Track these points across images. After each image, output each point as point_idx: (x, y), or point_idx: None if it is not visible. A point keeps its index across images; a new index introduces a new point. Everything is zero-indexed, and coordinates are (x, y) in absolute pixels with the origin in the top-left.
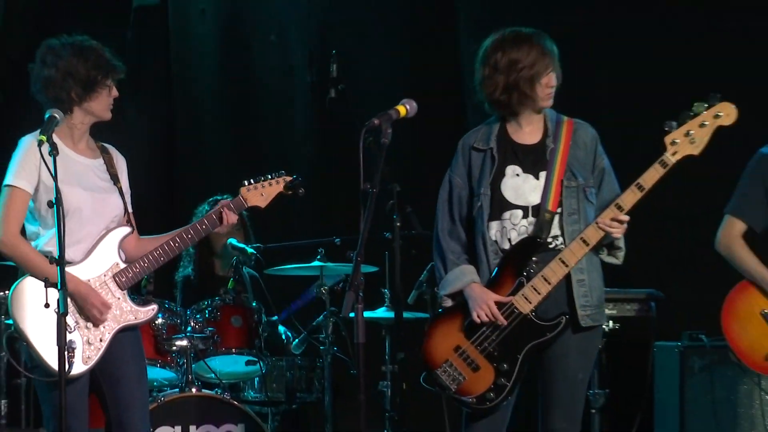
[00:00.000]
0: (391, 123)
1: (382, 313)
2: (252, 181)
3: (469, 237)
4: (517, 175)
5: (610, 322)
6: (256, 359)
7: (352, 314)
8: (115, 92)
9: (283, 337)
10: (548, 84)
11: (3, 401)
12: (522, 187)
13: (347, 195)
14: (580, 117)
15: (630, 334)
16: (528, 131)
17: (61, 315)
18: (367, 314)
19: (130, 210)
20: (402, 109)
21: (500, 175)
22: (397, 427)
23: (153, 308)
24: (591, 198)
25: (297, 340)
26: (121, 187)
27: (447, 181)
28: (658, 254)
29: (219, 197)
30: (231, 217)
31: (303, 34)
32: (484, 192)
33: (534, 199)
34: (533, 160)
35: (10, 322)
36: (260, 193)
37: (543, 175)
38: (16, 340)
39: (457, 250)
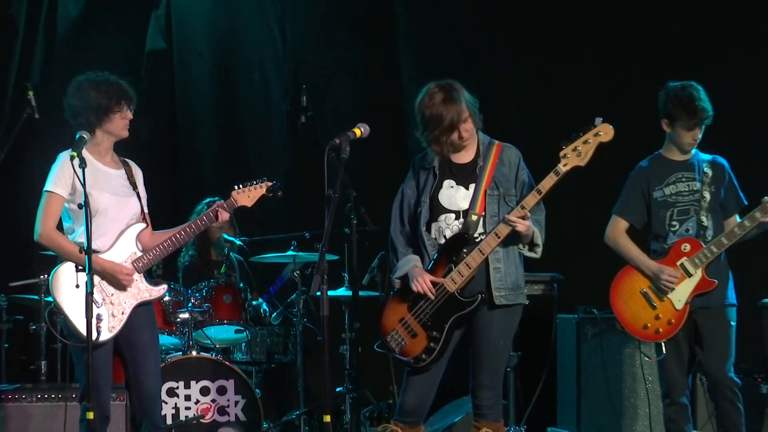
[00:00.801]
0: (349, 142)
1: (342, 291)
2: (241, 185)
3: (417, 234)
4: (452, 186)
5: None
6: (243, 328)
7: (318, 293)
8: (128, 114)
9: (263, 311)
10: (459, 136)
11: (43, 362)
12: (455, 196)
13: (315, 198)
14: (498, 139)
15: (537, 308)
16: (463, 153)
17: (89, 294)
18: (330, 293)
19: (146, 210)
20: (358, 131)
21: (439, 187)
22: (354, 382)
23: (164, 287)
24: (510, 204)
25: (275, 313)
26: (138, 192)
27: (400, 192)
28: (559, 245)
29: (212, 198)
30: (224, 215)
31: (280, 73)
32: (424, 200)
33: (464, 205)
34: (465, 175)
35: (49, 299)
36: (247, 195)
37: (472, 186)
38: (55, 314)
39: (405, 244)
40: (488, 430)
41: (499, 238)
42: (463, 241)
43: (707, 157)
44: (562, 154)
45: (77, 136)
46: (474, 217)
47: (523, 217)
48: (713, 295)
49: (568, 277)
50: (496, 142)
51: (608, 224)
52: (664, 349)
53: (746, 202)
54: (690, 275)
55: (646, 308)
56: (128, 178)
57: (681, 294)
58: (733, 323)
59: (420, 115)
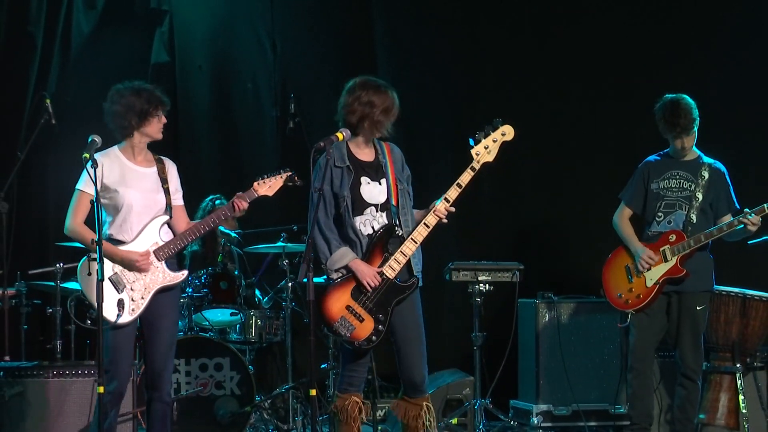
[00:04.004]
0: (332, 145)
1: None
2: (262, 176)
3: (338, 228)
4: (368, 183)
5: (487, 285)
6: (237, 311)
7: (305, 280)
8: (163, 119)
9: (257, 298)
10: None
11: (58, 341)
12: (373, 191)
13: (302, 195)
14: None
15: (501, 293)
16: (365, 151)
17: (99, 281)
18: (315, 279)
19: (176, 203)
20: (340, 135)
21: (357, 183)
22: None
23: (183, 273)
24: (410, 197)
25: (266, 298)
26: (168, 188)
27: (318, 192)
28: (521, 238)
29: (214, 195)
30: (243, 204)
31: (270, 82)
32: (347, 195)
33: (382, 198)
34: (375, 172)
35: (64, 285)
36: (268, 185)
37: (384, 181)
38: (66, 299)
39: (336, 237)
40: (428, 404)
41: (429, 228)
42: (390, 231)
43: (709, 161)
44: (474, 152)
45: (89, 140)
46: (393, 210)
47: (448, 210)
48: (687, 283)
49: (528, 266)
50: (383, 142)
51: (617, 210)
52: (629, 318)
53: (738, 206)
54: (666, 260)
55: (625, 281)
56: (159, 175)
57: (654, 274)
58: (699, 308)
59: (364, 98)
